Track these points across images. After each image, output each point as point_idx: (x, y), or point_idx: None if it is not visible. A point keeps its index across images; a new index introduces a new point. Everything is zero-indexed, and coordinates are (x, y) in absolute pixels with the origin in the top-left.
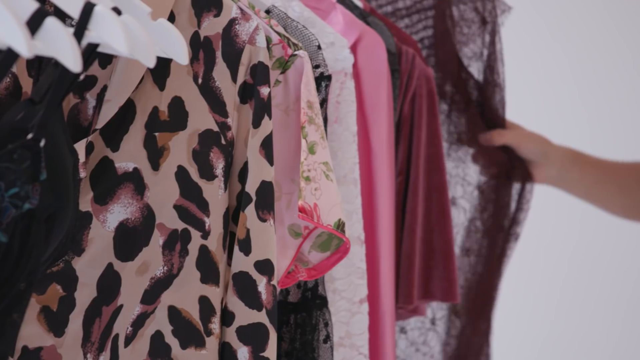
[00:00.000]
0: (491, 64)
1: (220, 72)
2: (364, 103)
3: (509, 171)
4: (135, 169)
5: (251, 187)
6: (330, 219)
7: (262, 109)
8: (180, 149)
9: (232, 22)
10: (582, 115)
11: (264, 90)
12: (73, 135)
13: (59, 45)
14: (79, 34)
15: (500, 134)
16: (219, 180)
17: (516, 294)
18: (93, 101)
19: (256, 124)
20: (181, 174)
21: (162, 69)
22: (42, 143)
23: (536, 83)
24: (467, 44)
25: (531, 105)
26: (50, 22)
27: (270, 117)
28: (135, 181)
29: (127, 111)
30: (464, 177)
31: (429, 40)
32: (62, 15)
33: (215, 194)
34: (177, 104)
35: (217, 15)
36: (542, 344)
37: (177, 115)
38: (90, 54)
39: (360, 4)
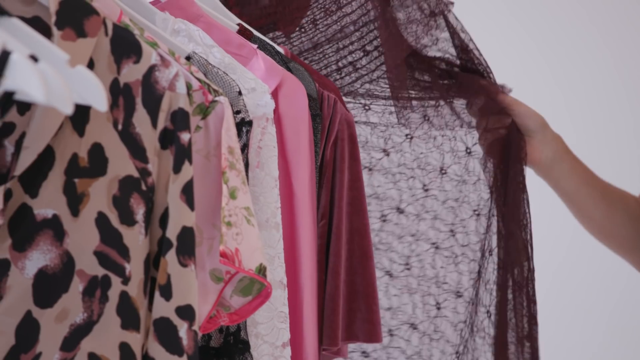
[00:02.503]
0: (457, 42)
1: (141, 119)
2: (285, 148)
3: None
4: (55, 216)
5: (172, 233)
6: (251, 264)
7: (183, 155)
8: (100, 195)
9: (151, 68)
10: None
11: (185, 136)
12: None
13: None
14: None
15: (504, 95)
16: (140, 225)
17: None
18: (12, 148)
19: (177, 169)
20: (101, 219)
21: (81, 116)
22: None
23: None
24: (422, 37)
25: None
26: None
27: (190, 163)
28: (55, 227)
29: (46, 158)
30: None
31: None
32: None
33: (136, 239)
34: (97, 150)
35: (137, 61)
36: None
37: (97, 162)
38: (6, 101)
39: (281, 50)
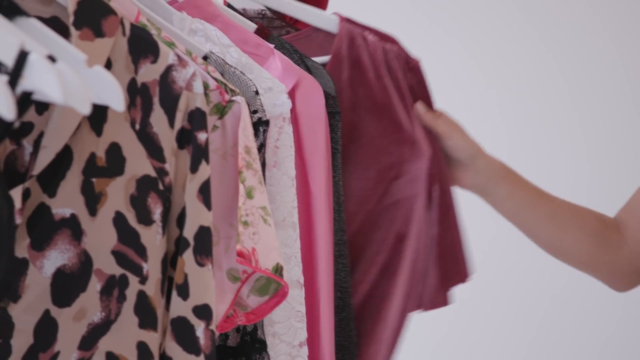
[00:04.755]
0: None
1: (158, 118)
2: (302, 147)
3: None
4: (73, 215)
5: (189, 232)
6: (268, 263)
7: (200, 155)
8: (117, 194)
9: (169, 68)
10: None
11: (202, 136)
12: (9, 182)
13: None
14: (13, 82)
15: (434, 117)
16: (157, 225)
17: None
18: (30, 147)
19: (194, 169)
20: (119, 219)
21: (99, 115)
22: None
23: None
24: None
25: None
26: None
27: (207, 163)
28: (73, 227)
29: (64, 157)
30: None
31: None
32: None
33: (153, 239)
34: (114, 150)
35: (154, 61)
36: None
37: (115, 161)
38: (25, 101)
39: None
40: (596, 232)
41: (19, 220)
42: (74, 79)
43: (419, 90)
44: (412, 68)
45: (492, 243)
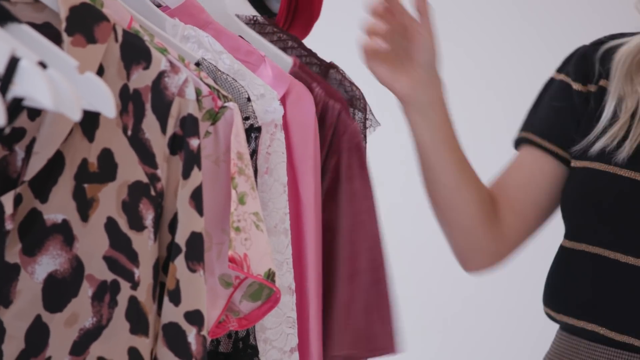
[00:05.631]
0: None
1: (150, 124)
2: (292, 154)
3: None
4: (64, 221)
5: (181, 238)
6: (260, 269)
7: (192, 161)
8: (109, 200)
9: (161, 74)
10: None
11: (194, 142)
12: (1, 187)
13: None
14: (3, 88)
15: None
16: (149, 231)
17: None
18: (22, 153)
19: (186, 175)
20: (110, 225)
21: (91, 121)
22: None
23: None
24: None
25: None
26: None
27: (199, 169)
28: (64, 232)
29: (56, 163)
30: None
31: None
32: None
33: (145, 244)
34: (106, 156)
35: (147, 67)
36: None
37: (107, 167)
38: (15, 107)
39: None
40: (487, 199)
41: (10, 226)
42: (64, 85)
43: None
44: (350, 133)
45: None
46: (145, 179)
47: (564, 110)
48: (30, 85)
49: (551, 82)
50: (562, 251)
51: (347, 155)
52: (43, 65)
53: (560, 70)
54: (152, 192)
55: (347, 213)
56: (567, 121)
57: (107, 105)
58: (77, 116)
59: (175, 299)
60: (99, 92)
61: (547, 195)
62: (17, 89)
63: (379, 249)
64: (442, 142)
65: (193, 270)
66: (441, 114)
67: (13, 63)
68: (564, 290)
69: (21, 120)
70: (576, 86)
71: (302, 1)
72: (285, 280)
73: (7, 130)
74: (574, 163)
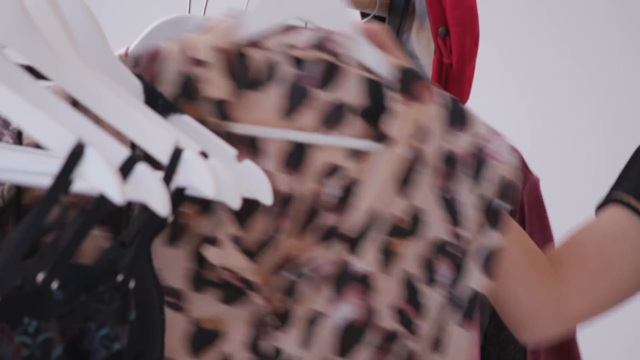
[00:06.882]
0: None
1: (463, 186)
2: None
3: None
4: (368, 272)
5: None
6: None
7: (495, 222)
8: (411, 255)
9: (476, 136)
10: None
11: (505, 207)
12: None
13: (148, 190)
14: (167, 179)
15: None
16: (442, 287)
17: None
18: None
19: (488, 236)
20: (407, 278)
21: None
22: (131, 284)
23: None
24: None
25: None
26: (141, 168)
27: (503, 233)
28: (365, 283)
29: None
30: None
31: None
32: (150, 160)
33: (435, 300)
34: (417, 214)
35: (463, 130)
36: None
37: (416, 224)
38: (178, 196)
39: None
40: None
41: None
42: (225, 174)
43: None
44: (529, 185)
45: None
46: (449, 238)
47: None
48: (192, 175)
49: None
50: None
51: (527, 210)
52: (204, 155)
53: None
54: (454, 251)
55: None
56: None
57: (264, 192)
58: (236, 204)
59: (440, 349)
60: (257, 180)
61: None
62: (179, 179)
63: None
64: None
65: (462, 326)
66: None
67: (177, 154)
68: None
69: None
70: None
71: (452, 81)
72: None
73: (170, 219)
74: None
